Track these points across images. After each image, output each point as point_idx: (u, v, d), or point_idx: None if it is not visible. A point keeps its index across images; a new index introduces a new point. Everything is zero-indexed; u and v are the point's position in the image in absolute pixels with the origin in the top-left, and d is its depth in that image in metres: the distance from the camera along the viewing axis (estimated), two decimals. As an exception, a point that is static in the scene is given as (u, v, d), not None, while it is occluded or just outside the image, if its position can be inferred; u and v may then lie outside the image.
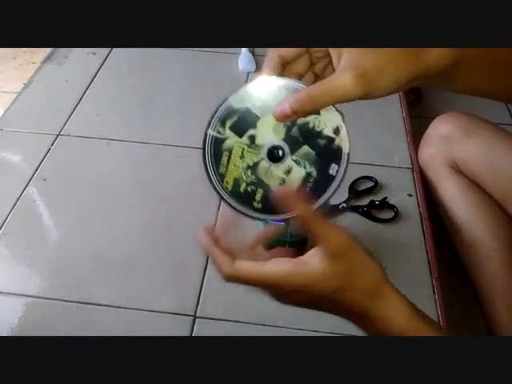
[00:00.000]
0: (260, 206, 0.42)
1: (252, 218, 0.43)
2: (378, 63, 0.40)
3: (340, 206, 0.80)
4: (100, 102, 1.02)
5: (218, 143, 0.41)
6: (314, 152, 0.41)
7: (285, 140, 0.41)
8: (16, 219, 0.78)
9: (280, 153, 0.41)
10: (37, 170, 0.86)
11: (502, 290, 0.78)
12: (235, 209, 0.44)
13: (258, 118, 0.41)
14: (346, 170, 0.41)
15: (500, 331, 0.77)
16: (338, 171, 0.42)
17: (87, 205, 0.81)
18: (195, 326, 0.65)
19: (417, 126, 0.97)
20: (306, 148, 0.41)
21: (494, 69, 0.46)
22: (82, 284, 0.70)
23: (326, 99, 0.40)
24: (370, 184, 0.84)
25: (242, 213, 0.44)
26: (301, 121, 0.41)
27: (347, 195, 0.82)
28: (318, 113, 0.41)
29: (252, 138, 0.41)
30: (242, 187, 0.42)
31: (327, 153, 0.41)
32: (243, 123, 0.42)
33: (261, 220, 0.43)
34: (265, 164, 0.41)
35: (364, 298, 0.41)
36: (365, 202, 0.81)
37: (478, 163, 0.83)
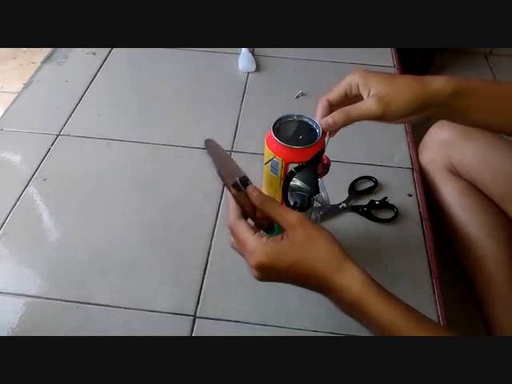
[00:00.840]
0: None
1: None
2: (394, 90, 0.54)
3: (340, 206, 0.80)
4: (100, 102, 1.02)
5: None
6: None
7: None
8: (16, 219, 0.78)
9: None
10: (37, 169, 0.86)
11: (500, 290, 0.79)
12: None
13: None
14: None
15: (499, 331, 0.77)
16: None
17: (87, 204, 0.81)
18: (195, 326, 0.65)
19: (417, 126, 0.98)
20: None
21: (496, 102, 0.56)
22: (82, 284, 0.70)
23: (356, 117, 0.55)
24: (369, 184, 0.84)
25: None
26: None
27: (347, 195, 0.82)
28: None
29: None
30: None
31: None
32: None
33: None
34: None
35: (322, 267, 0.47)
36: (365, 201, 0.81)
37: (476, 165, 0.84)
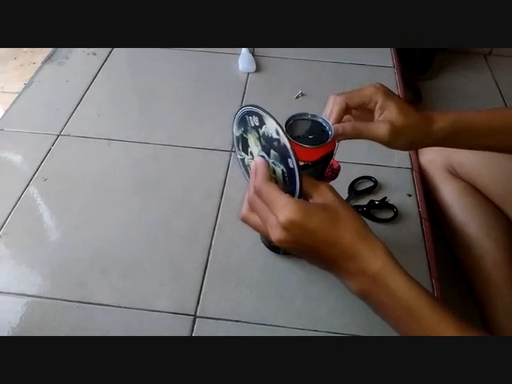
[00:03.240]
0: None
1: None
2: (406, 125, 0.58)
3: (340, 206, 0.80)
4: (100, 102, 1.02)
5: (243, 161, 0.56)
6: (277, 153, 0.49)
7: (262, 149, 0.51)
8: (17, 219, 0.79)
9: (265, 159, 0.51)
10: (37, 170, 0.87)
11: (498, 290, 0.79)
12: None
13: (246, 139, 0.53)
14: (297, 161, 0.47)
15: (498, 331, 0.77)
16: (292, 163, 0.48)
17: (87, 205, 0.81)
18: (195, 326, 0.66)
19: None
20: (272, 151, 0.50)
21: (490, 134, 0.63)
22: (82, 284, 0.70)
23: (364, 134, 0.58)
24: (369, 184, 0.85)
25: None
26: (261, 132, 0.50)
27: (347, 195, 0.82)
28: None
29: (251, 153, 0.54)
30: None
31: (282, 151, 0.49)
32: (244, 144, 0.54)
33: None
34: None
35: (350, 234, 0.47)
36: (364, 201, 0.82)
37: (475, 166, 0.84)
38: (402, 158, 0.91)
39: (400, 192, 0.84)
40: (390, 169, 0.88)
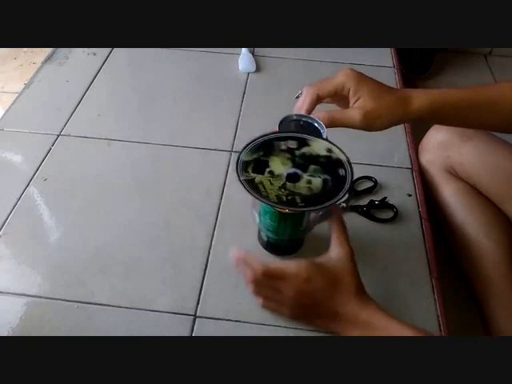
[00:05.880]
0: (303, 204, 0.56)
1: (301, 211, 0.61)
2: (379, 107, 0.58)
3: (340, 206, 0.80)
4: (100, 102, 1.02)
5: (250, 182, 0.57)
6: (320, 167, 0.58)
7: (294, 167, 0.58)
8: (16, 219, 0.79)
9: (296, 174, 0.58)
10: (37, 170, 0.87)
11: (498, 291, 0.79)
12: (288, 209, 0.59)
13: (266, 161, 0.58)
14: (351, 170, 0.57)
15: (498, 332, 0.77)
16: (345, 171, 0.57)
17: (87, 205, 0.81)
18: (195, 326, 0.66)
19: (416, 126, 0.98)
20: (312, 166, 0.58)
21: (473, 111, 0.62)
22: (82, 284, 0.70)
23: (339, 123, 0.59)
24: (369, 184, 0.85)
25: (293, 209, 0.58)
26: (299, 153, 0.58)
27: (347, 195, 0.82)
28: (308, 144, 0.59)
29: (271, 172, 0.58)
30: (284, 199, 0.56)
31: (331, 164, 0.58)
32: (258, 166, 0.58)
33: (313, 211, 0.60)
34: (289, 184, 0.57)
35: (350, 293, 0.57)
36: (364, 201, 0.82)
37: (474, 166, 0.84)
38: (402, 158, 0.91)
39: (400, 192, 0.84)
40: (390, 169, 0.88)
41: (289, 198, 0.56)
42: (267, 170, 0.58)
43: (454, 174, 0.88)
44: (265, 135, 0.59)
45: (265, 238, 0.72)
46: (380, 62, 1.15)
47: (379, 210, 0.80)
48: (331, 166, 0.57)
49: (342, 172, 0.57)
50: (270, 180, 0.57)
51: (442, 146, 0.88)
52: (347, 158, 0.57)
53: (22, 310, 0.67)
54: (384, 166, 0.88)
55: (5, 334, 0.64)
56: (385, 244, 0.76)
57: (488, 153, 0.83)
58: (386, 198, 0.82)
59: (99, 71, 1.10)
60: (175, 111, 1.00)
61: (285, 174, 0.58)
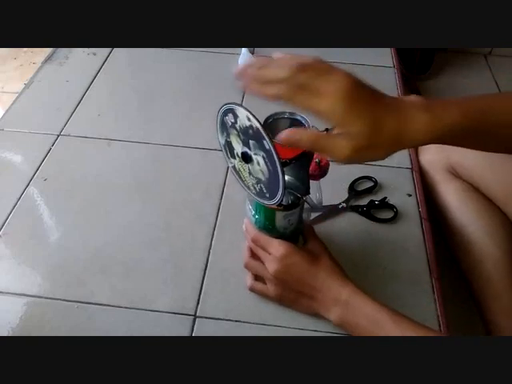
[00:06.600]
0: (268, 195, 0.53)
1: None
2: (375, 140, 0.47)
3: (340, 206, 0.80)
4: (100, 102, 1.02)
5: (233, 169, 0.56)
6: (254, 141, 0.51)
7: (243, 145, 0.53)
8: (16, 219, 0.79)
9: (247, 154, 0.53)
10: (37, 170, 0.87)
11: (497, 293, 0.79)
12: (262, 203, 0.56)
13: (230, 141, 0.55)
14: (271, 139, 0.49)
15: (497, 332, 0.77)
16: (268, 143, 0.49)
17: (87, 205, 0.81)
18: (195, 326, 0.66)
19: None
20: (251, 141, 0.52)
21: (469, 138, 0.54)
22: (82, 284, 0.70)
23: (320, 150, 0.47)
24: (369, 184, 0.85)
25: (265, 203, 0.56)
26: (237, 126, 0.52)
27: (347, 195, 0.82)
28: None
29: (237, 154, 0.54)
30: (256, 188, 0.54)
31: (257, 135, 0.50)
32: (230, 149, 0.55)
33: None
34: (252, 169, 0.53)
35: (326, 272, 0.61)
36: (364, 201, 0.82)
37: (475, 165, 0.84)
38: (402, 158, 0.91)
39: (400, 192, 0.84)
40: (390, 169, 0.88)
41: (257, 188, 0.54)
42: (235, 152, 0.54)
43: (454, 173, 0.88)
44: (218, 110, 0.53)
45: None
46: (380, 62, 1.15)
47: (379, 210, 0.80)
48: (257, 138, 0.49)
49: (267, 144, 0.49)
50: (241, 166, 0.55)
51: (442, 147, 0.88)
52: (261, 125, 0.48)
53: (22, 310, 0.67)
54: (384, 165, 0.88)
55: (5, 333, 0.64)
56: (385, 244, 0.76)
57: (490, 154, 0.83)
58: (386, 198, 0.82)
59: (99, 71, 1.10)
60: (175, 111, 1.00)
61: (240, 155, 0.53)
